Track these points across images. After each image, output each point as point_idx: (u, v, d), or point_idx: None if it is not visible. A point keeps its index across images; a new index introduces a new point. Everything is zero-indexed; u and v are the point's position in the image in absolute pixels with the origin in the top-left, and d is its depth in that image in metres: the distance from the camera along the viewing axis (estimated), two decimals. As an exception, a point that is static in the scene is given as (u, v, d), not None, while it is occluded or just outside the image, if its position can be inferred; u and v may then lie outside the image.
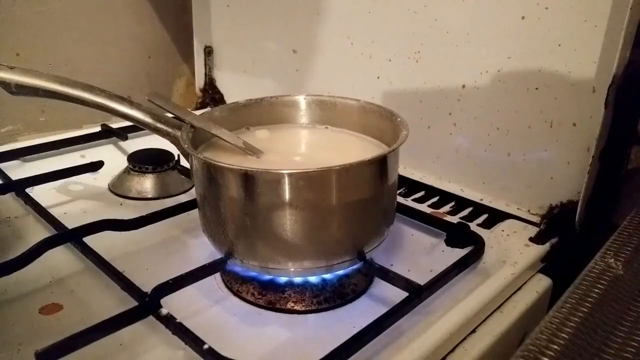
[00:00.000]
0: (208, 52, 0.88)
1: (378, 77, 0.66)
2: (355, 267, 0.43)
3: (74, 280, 0.44)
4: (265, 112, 0.53)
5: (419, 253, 0.50)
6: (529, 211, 0.56)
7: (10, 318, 0.40)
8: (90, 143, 0.70)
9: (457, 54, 0.58)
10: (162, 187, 0.60)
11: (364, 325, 0.36)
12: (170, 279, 0.40)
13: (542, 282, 0.48)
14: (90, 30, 0.78)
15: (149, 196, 0.59)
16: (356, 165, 0.38)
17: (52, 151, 0.67)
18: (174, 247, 0.50)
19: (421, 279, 0.41)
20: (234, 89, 0.88)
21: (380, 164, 0.40)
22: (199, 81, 0.90)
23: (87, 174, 0.62)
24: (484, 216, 0.56)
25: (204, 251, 0.48)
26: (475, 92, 0.57)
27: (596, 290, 0.31)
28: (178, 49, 0.90)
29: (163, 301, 0.38)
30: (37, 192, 0.56)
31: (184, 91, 0.93)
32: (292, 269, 0.40)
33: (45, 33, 0.73)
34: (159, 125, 0.46)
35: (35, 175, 0.58)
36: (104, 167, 0.63)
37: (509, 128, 0.56)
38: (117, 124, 0.72)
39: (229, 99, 0.89)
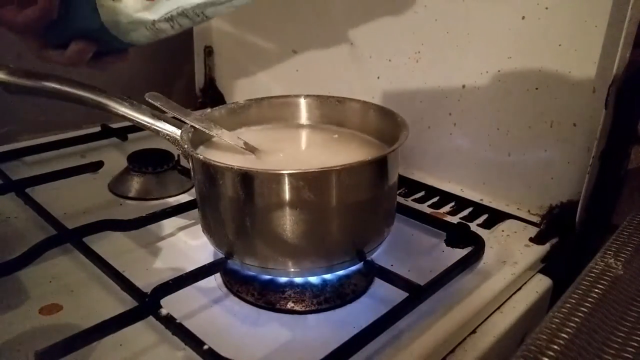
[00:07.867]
0: (208, 52, 0.88)
1: (378, 77, 0.66)
2: (355, 267, 0.43)
3: (74, 280, 0.44)
4: (265, 112, 0.53)
5: (419, 253, 0.50)
6: (529, 211, 0.56)
7: (10, 318, 0.40)
8: (90, 143, 0.70)
9: (457, 54, 0.58)
10: (162, 187, 0.60)
11: (364, 326, 0.36)
12: (170, 279, 0.40)
13: (542, 282, 0.48)
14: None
15: (149, 196, 0.59)
16: (356, 166, 0.38)
17: (52, 151, 0.67)
18: (174, 247, 0.50)
19: (421, 279, 0.41)
20: (234, 89, 0.88)
21: (381, 164, 0.40)
22: (199, 81, 0.90)
23: (87, 174, 0.62)
24: (484, 216, 0.56)
25: (204, 251, 0.48)
26: (475, 92, 0.57)
27: (596, 290, 0.31)
28: (178, 49, 0.90)
29: (163, 301, 0.38)
30: (37, 192, 0.56)
31: (184, 91, 0.93)
32: (292, 269, 0.40)
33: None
34: (159, 125, 0.47)
35: (35, 175, 0.58)
36: (103, 167, 0.63)
37: (509, 128, 0.56)
38: (117, 124, 0.72)
39: (229, 99, 0.89)
